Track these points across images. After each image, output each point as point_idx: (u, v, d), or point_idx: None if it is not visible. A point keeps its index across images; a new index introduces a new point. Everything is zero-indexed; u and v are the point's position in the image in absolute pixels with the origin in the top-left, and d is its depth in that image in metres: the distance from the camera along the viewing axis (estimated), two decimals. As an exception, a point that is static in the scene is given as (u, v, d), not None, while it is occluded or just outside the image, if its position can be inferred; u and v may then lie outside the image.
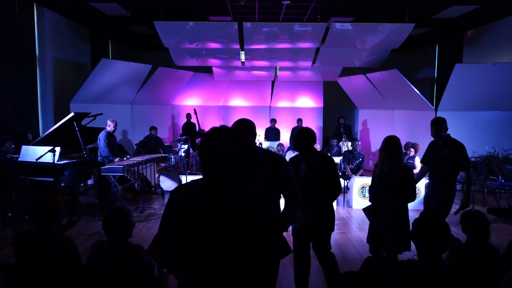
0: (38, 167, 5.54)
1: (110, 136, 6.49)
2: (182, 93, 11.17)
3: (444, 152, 3.91)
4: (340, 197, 7.40)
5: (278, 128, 10.60)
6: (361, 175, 7.30)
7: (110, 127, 6.48)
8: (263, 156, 2.48)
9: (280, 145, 8.43)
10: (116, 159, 6.25)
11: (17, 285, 2.28)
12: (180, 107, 11.27)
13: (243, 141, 2.46)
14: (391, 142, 3.37)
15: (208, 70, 11.02)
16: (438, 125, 4.03)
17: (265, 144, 9.78)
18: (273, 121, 10.53)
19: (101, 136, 6.39)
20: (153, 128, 8.44)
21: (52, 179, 5.52)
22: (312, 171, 3.09)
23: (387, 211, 3.29)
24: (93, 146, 7.39)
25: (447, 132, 4.08)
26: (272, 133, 10.43)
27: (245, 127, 2.56)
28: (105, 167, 5.85)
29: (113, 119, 6.63)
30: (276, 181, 2.37)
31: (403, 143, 7.50)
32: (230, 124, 9.65)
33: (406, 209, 3.37)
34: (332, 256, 3.25)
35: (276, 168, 2.40)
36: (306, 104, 11.73)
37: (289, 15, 8.37)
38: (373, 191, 3.49)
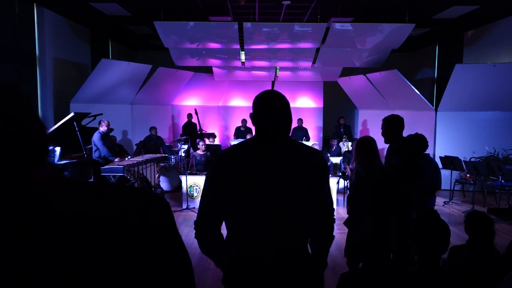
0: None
1: (104, 136, 6.48)
2: (182, 93, 11.17)
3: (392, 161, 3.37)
4: (340, 197, 7.41)
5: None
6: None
7: (103, 127, 6.46)
8: (300, 150, 1.67)
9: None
10: (116, 159, 6.26)
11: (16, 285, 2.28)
12: (180, 107, 11.27)
13: (273, 124, 1.58)
14: (365, 144, 3.08)
15: (208, 70, 11.02)
16: (389, 124, 3.41)
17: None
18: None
19: (96, 138, 6.35)
20: (152, 128, 8.44)
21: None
22: None
23: (367, 220, 2.90)
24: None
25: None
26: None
27: (277, 103, 1.60)
28: (105, 167, 5.85)
29: (105, 119, 6.60)
30: (312, 190, 1.62)
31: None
32: (230, 124, 9.61)
33: (388, 217, 3.00)
34: None
35: (317, 170, 1.64)
36: (306, 104, 11.74)
37: (289, 15, 8.37)
38: (352, 199, 3.16)
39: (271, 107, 1.58)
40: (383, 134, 3.42)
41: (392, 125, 3.39)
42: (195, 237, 1.65)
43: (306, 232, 1.66)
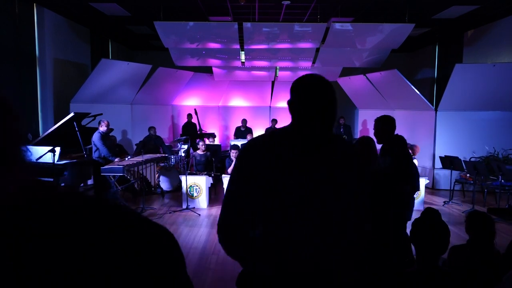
0: (38, 167, 5.54)
1: (104, 136, 6.47)
2: (182, 93, 11.17)
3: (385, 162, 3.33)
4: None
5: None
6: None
7: (103, 127, 6.43)
8: (342, 149, 1.45)
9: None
10: (116, 159, 6.25)
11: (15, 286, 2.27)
12: (180, 107, 11.27)
13: (315, 116, 1.34)
14: (364, 144, 3.09)
15: (208, 70, 11.02)
16: (381, 125, 3.37)
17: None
18: (274, 121, 10.54)
19: (96, 138, 6.32)
20: (151, 128, 8.44)
21: (52, 179, 5.52)
22: None
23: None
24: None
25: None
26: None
27: (322, 89, 1.35)
28: (105, 167, 5.85)
29: (105, 120, 6.58)
30: (350, 197, 1.41)
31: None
32: (230, 124, 9.55)
33: (388, 217, 3.00)
34: None
35: (356, 175, 1.43)
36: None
37: (289, 15, 8.37)
38: None
39: (315, 95, 1.34)
40: (375, 135, 3.39)
41: (383, 126, 3.38)
42: (220, 241, 1.40)
43: (343, 246, 1.38)
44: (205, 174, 6.79)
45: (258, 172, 1.34)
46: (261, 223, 1.36)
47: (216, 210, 6.44)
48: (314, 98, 1.34)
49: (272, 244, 1.34)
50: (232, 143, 8.99)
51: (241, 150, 1.45)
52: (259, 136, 1.51)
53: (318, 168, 1.35)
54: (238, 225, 1.37)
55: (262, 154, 1.37)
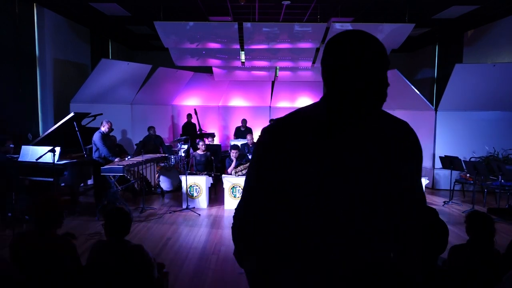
0: (38, 167, 5.54)
1: (105, 136, 6.45)
2: (182, 93, 11.18)
3: None
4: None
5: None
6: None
7: (104, 127, 6.39)
8: (390, 126, 1.22)
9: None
10: (116, 159, 6.25)
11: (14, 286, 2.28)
12: (180, 107, 11.27)
13: (363, 85, 1.05)
14: None
15: (208, 70, 11.03)
16: None
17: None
18: (273, 121, 10.53)
19: (96, 138, 6.30)
20: (151, 128, 8.43)
21: (52, 179, 5.52)
22: None
23: None
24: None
25: None
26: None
27: (372, 50, 1.04)
28: (105, 167, 5.84)
29: (108, 120, 6.57)
30: (402, 181, 1.22)
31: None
32: (230, 124, 9.53)
33: None
34: None
35: (411, 154, 1.26)
36: (306, 104, 11.73)
37: (289, 15, 8.37)
38: None
39: (362, 55, 1.02)
40: None
41: None
42: (232, 232, 1.23)
43: (397, 240, 1.21)
44: (205, 174, 6.79)
45: (275, 160, 1.14)
46: (277, 212, 1.16)
47: (216, 210, 6.44)
48: (356, 62, 1.02)
49: (285, 235, 1.15)
50: (232, 143, 9.00)
51: (262, 133, 1.25)
52: (284, 118, 1.28)
53: (340, 154, 1.11)
54: (256, 215, 1.18)
55: (282, 141, 1.15)
